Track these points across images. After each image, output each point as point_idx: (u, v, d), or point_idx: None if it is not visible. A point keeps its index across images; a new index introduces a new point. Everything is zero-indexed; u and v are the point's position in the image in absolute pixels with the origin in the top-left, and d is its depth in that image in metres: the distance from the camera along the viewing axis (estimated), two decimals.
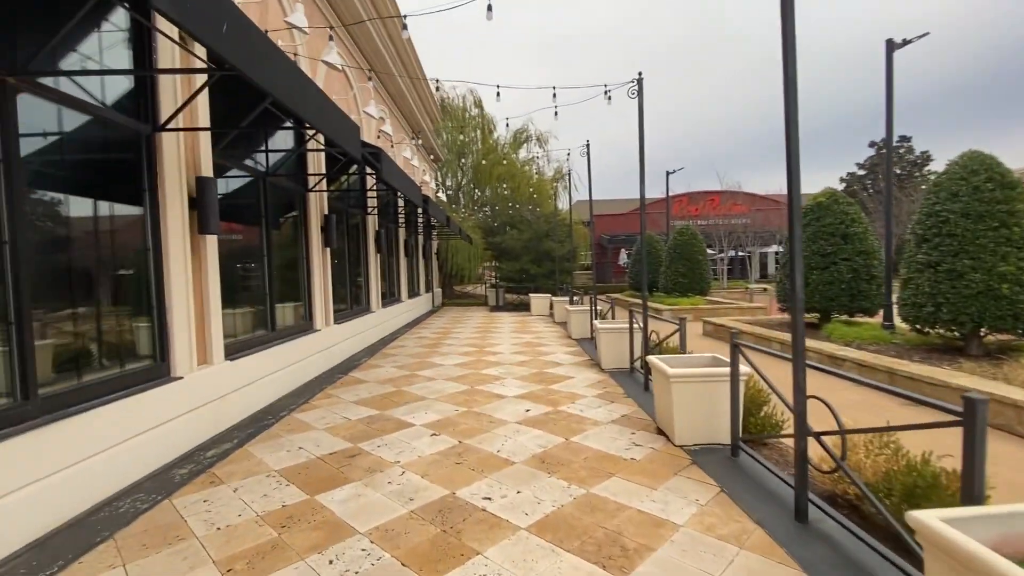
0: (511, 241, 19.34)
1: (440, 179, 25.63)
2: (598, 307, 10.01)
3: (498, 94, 6.57)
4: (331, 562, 2.55)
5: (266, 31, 4.37)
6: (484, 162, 24.49)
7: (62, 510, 2.96)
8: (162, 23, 3.81)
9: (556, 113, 7.12)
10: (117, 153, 3.83)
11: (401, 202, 12.07)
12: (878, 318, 9.10)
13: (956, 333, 6.41)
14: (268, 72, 3.13)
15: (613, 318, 9.31)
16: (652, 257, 18.75)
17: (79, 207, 3.54)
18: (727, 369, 3.98)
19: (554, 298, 14.58)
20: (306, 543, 2.73)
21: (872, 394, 4.95)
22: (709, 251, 19.70)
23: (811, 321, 10.15)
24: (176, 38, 3.94)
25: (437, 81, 9.53)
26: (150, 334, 3.98)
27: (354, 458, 3.95)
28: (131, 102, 3.91)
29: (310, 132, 5.79)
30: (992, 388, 4.88)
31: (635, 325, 6.67)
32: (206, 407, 4.36)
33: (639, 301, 18.71)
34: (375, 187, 9.19)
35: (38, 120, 3.17)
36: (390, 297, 12.07)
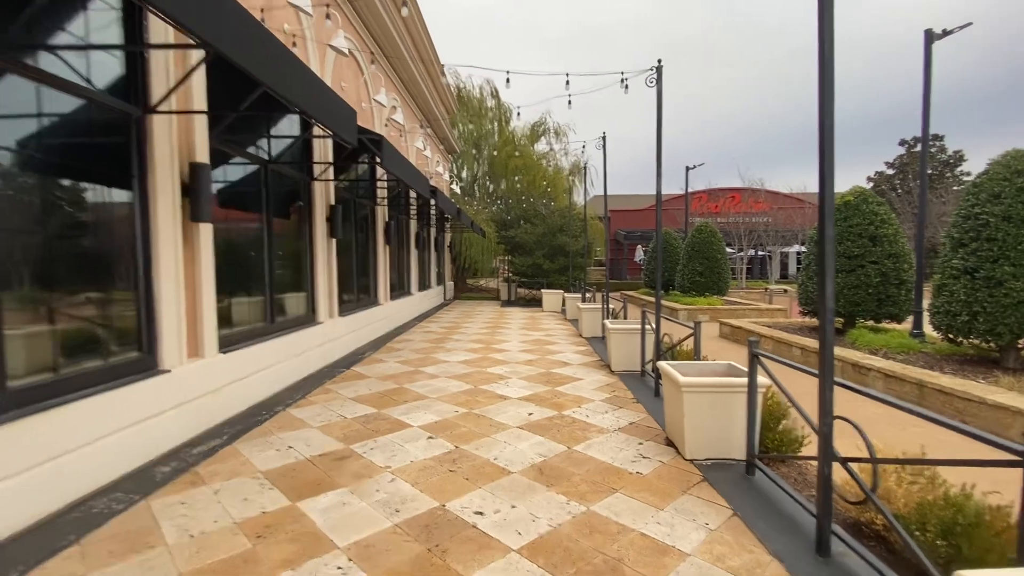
0: (524, 235, 19.05)
1: (455, 171, 25.42)
2: (611, 305, 9.71)
3: (508, 80, 6.32)
4: None
5: (261, 13, 4.16)
6: (500, 154, 24.17)
7: (31, 510, 2.82)
8: None
9: (570, 102, 6.83)
10: (104, 136, 3.66)
11: (413, 194, 11.89)
12: (906, 325, 8.65)
13: (992, 344, 5.99)
14: (252, 53, 2.92)
15: (625, 317, 9.01)
16: (669, 255, 18.31)
17: (61, 192, 3.38)
18: (744, 379, 3.68)
19: (567, 295, 14.29)
20: (280, 557, 2.54)
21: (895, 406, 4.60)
22: (728, 250, 19.16)
23: (835, 326, 9.71)
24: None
25: (442, 65, 9.21)
26: (136, 326, 3.83)
27: (344, 461, 3.76)
28: (120, 83, 3.73)
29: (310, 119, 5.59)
30: None
31: (648, 326, 6.38)
32: (195, 402, 4.21)
33: (654, 299, 18.32)
34: (384, 177, 8.99)
35: (19, 101, 3.01)
36: (399, 290, 11.91)
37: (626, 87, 5.77)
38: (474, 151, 24.76)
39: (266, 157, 5.76)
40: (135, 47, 3.76)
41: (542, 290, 16.47)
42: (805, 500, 3.05)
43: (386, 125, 8.97)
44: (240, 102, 4.26)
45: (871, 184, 35.94)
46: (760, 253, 31.41)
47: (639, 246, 33.21)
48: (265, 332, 5.61)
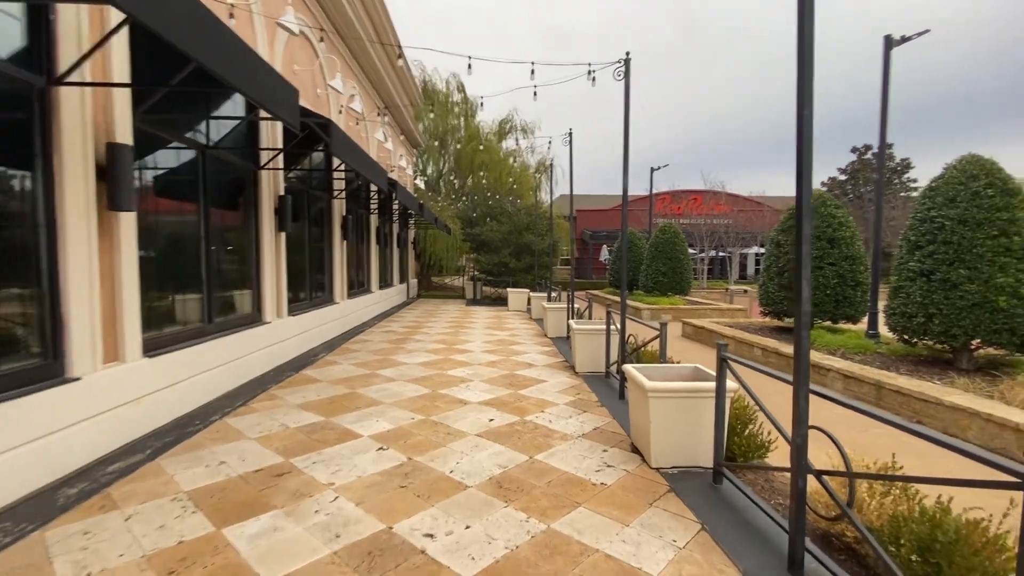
0: (490, 233, 18.77)
1: (420, 166, 24.86)
2: (576, 305, 9.56)
3: (469, 66, 6.01)
4: None
5: None
6: (466, 149, 23.76)
7: None
8: None
9: (535, 94, 6.60)
10: (0, 110, 3.17)
11: (375, 187, 11.40)
12: (862, 325, 8.85)
13: (946, 346, 6.12)
14: (169, 15, 2.53)
15: (590, 317, 8.87)
16: (633, 255, 18.39)
17: None
18: (711, 384, 3.53)
19: (532, 294, 14.10)
20: None
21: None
22: (690, 250, 19.42)
23: (793, 326, 9.87)
24: None
25: (400, 47, 8.79)
26: (38, 327, 3.35)
27: (282, 477, 3.39)
28: (21, 49, 3.24)
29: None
30: (990, 408, 4.55)
31: (613, 327, 6.22)
32: (113, 412, 3.75)
33: (619, 299, 18.27)
34: (342, 168, 8.53)
35: None
36: (358, 287, 11.42)
37: (593, 80, 5.58)
38: (437, 143, 24.23)
39: (204, 141, 5.26)
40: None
41: (508, 289, 16.23)
42: (776, 513, 2.90)
43: (340, 112, 8.49)
44: (169, 77, 3.81)
45: (824, 189, 37.32)
46: (720, 254, 32.17)
47: (604, 246, 33.49)
48: (202, 333, 5.13)
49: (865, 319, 8.65)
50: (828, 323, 9.09)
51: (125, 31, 3.91)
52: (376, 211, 12.55)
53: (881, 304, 7.29)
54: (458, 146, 24.50)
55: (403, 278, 17.49)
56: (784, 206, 22.72)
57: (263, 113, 5.53)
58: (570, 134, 8.73)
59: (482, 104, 7.68)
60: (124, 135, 3.89)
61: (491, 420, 4.61)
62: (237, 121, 5.80)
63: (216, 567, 2.41)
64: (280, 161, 6.57)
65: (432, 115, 23.10)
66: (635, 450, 3.99)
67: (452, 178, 25.56)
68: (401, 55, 9.18)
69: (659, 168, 22.60)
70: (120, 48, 3.87)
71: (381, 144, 11.59)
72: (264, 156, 6.29)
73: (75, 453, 3.40)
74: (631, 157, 5.32)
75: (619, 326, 5.65)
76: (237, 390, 5.41)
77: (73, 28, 3.45)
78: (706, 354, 9.25)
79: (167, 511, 2.93)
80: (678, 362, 4.93)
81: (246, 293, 6.17)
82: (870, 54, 8.86)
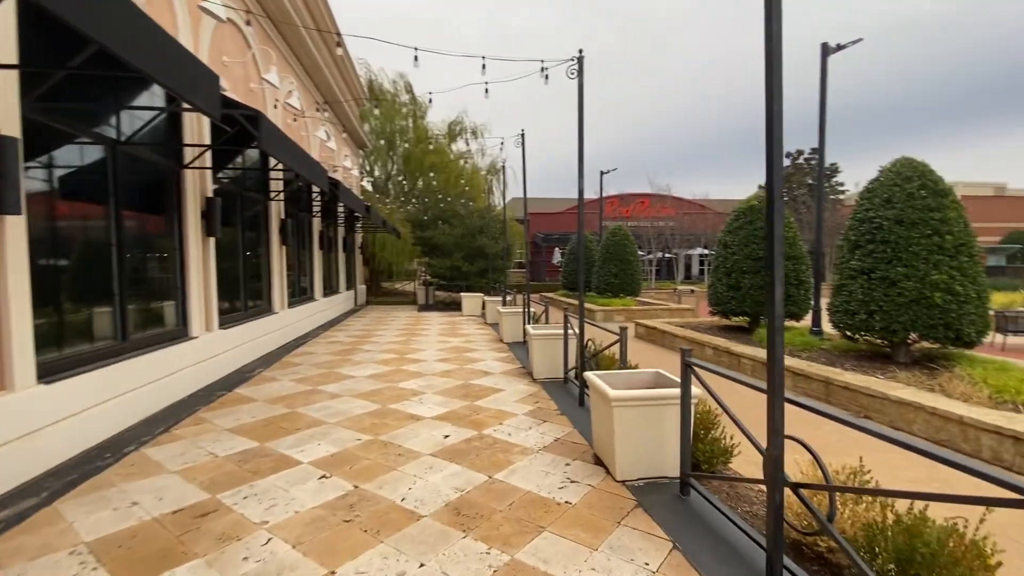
0: (442, 237, 18.33)
1: (368, 167, 24.08)
2: (532, 308, 9.38)
3: (415, 58, 5.69)
4: None
5: None
6: (415, 150, 23.19)
7: None
8: None
9: (487, 91, 6.35)
10: None
11: (317, 189, 10.78)
12: (805, 322, 9.17)
13: (885, 341, 6.36)
14: None
15: (547, 321, 8.71)
16: (585, 257, 18.51)
17: None
18: (676, 391, 3.39)
19: (487, 298, 13.83)
20: None
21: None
22: (639, 252, 19.80)
23: (741, 324, 10.12)
24: None
25: (338, 36, 8.28)
26: None
27: (206, 518, 2.96)
28: None
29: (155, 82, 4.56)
30: (933, 401, 4.70)
31: (571, 331, 6.06)
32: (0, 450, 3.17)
33: (573, 301, 18.25)
34: (279, 167, 7.95)
35: None
36: (300, 295, 10.76)
37: (546, 77, 5.41)
38: (384, 143, 23.51)
39: (114, 136, 4.67)
40: None
41: (462, 293, 15.88)
42: (750, 528, 2.77)
43: (276, 107, 7.89)
44: (68, 60, 3.30)
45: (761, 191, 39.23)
46: (667, 255, 33.16)
47: (557, 248, 33.73)
48: (115, 352, 4.54)
49: (808, 316, 8.98)
50: None
51: (10, 5, 3.35)
52: (319, 214, 11.91)
53: (824, 302, 7.54)
54: (407, 146, 23.90)
55: (350, 284, 16.77)
56: (725, 209, 23.65)
57: (185, 105, 4.99)
58: (522, 135, 8.56)
59: (431, 100, 7.48)
60: (9, 126, 3.32)
61: (446, 437, 4.31)
62: (154, 113, 5.21)
63: None
64: (207, 159, 5.99)
65: (377, 111, 22.36)
66: (598, 462, 3.81)
67: (401, 180, 24.90)
68: (340, 43, 8.64)
69: (608, 172, 22.94)
70: (3, 23, 3.31)
71: (323, 143, 10.99)
72: (189, 154, 5.70)
73: None
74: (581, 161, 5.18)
75: (577, 330, 5.49)
76: (158, 415, 4.83)
77: None
78: (661, 355, 9.31)
79: (62, 569, 2.46)
80: (636, 365, 4.83)
81: (169, 305, 5.56)
82: (799, 59, 9.25)
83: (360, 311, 16.07)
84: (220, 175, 6.98)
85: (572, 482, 3.47)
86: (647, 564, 2.54)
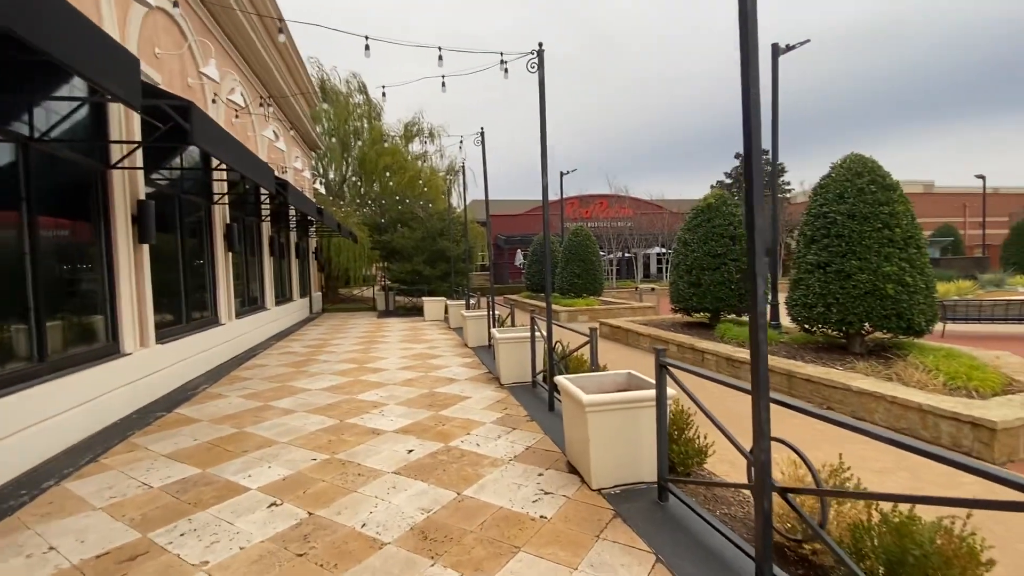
0: (402, 240, 17.86)
1: (321, 170, 23.26)
2: (497, 311, 9.17)
3: (367, 47, 5.38)
4: None
5: None
6: (370, 152, 22.55)
7: None
8: None
9: (444, 84, 6.10)
10: None
11: (266, 191, 10.20)
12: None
13: (840, 332, 6.53)
14: None
15: (513, 323, 8.53)
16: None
17: None
18: (651, 392, 3.27)
19: (449, 302, 13.52)
20: None
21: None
22: (600, 252, 19.96)
23: (702, 320, 10.27)
24: None
25: (280, 21, 7.76)
26: None
27: (135, 561, 2.59)
28: None
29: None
30: (892, 391, 4.80)
31: (538, 333, 5.90)
32: None
33: (538, 303, 18.08)
34: (223, 167, 7.43)
35: None
36: (249, 305, 10.15)
37: (506, 71, 5.22)
38: (337, 143, 22.75)
39: (26, 132, 4.16)
40: None
41: (424, 298, 15.49)
42: (734, 534, 2.66)
43: (215, 102, 7.35)
44: None
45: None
46: (626, 255, 33.72)
47: (519, 250, 33.67)
48: (31, 375, 4.02)
49: (767, 311, 9.17)
50: (733, 316, 9.54)
51: None
52: (269, 218, 11.31)
53: (782, 296, 7.70)
54: (361, 145, 23.21)
55: (304, 292, 16.08)
56: (681, 208, 24.21)
57: (107, 97, 4.51)
58: (481, 133, 8.36)
59: (384, 94, 7.00)
60: None
61: (410, 451, 4.05)
62: (74, 106, 4.70)
63: None
64: (138, 158, 5.48)
65: (327, 107, 21.57)
66: (572, 470, 3.65)
67: (357, 182, 24.19)
68: (283, 29, 8.11)
69: (568, 172, 23.05)
70: None
71: (272, 143, 10.43)
72: (116, 152, 5.19)
73: None
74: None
75: (545, 333, 5.33)
76: (85, 442, 4.33)
77: None
78: (628, 354, 9.29)
79: None
80: (605, 366, 4.71)
81: (96, 319, 5.02)
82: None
83: (316, 319, 15.42)
84: (155, 176, 6.43)
85: (546, 494, 3.29)
86: None
